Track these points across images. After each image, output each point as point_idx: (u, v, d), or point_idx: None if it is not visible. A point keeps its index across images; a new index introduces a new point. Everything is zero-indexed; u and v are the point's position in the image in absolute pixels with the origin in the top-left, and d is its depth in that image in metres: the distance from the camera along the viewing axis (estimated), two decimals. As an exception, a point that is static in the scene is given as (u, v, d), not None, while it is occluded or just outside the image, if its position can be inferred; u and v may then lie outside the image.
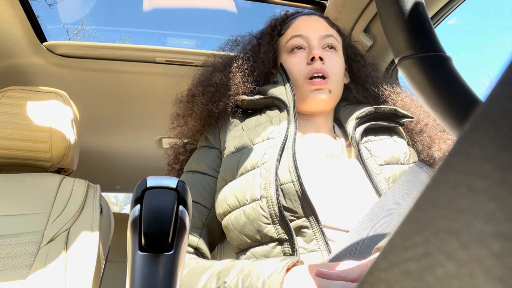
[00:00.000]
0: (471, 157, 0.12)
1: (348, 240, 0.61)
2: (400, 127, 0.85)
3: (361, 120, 0.80)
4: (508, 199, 0.11)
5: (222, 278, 0.57)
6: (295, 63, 0.84)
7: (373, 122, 0.80)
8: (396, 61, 0.41)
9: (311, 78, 0.81)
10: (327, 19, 0.92)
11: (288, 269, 0.52)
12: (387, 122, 0.81)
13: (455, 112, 0.37)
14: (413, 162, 0.77)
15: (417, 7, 0.39)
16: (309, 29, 0.85)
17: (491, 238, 0.12)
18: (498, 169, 0.12)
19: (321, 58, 0.81)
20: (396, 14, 0.39)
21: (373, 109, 0.79)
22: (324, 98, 0.81)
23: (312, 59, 0.81)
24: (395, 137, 0.81)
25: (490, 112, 0.12)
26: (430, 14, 1.01)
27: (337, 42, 0.87)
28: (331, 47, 0.85)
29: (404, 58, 0.40)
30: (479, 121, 0.12)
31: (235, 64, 0.86)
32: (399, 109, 0.80)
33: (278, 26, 0.92)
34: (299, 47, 0.85)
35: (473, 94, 0.38)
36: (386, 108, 0.80)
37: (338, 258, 0.59)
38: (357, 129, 0.79)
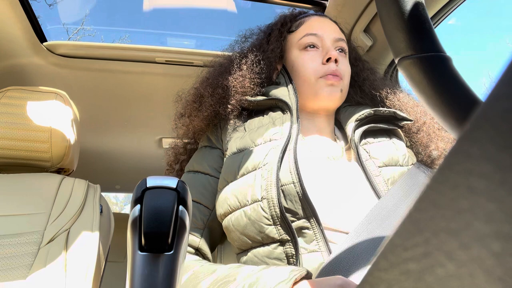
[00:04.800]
0: (471, 157, 0.12)
1: (348, 241, 0.61)
2: (399, 129, 0.85)
3: (361, 122, 0.80)
4: (508, 199, 0.11)
5: (226, 285, 0.56)
6: (308, 61, 0.83)
7: (372, 125, 0.80)
8: (396, 61, 0.41)
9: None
10: (335, 22, 0.93)
11: (295, 282, 0.51)
12: (386, 125, 0.81)
13: (455, 112, 0.37)
14: (412, 164, 0.77)
15: (417, 7, 0.39)
16: (324, 30, 0.86)
17: (491, 238, 0.12)
18: (498, 169, 0.12)
19: (336, 60, 0.81)
20: (396, 14, 0.39)
21: (372, 112, 0.80)
22: (336, 96, 0.81)
23: (328, 59, 0.81)
24: (394, 139, 0.81)
25: (490, 112, 0.12)
26: (430, 14, 1.01)
27: (346, 47, 0.88)
28: (342, 50, 0.86)
29: (404, 58, 0.40)
30: (479, 121, 0.12)
31: (245, 66, 0.85)
32: (398, 112, 0.80)
33: (288, 23, 0.91)
34: (313, 46, 0.84)
35: (473, 94, 0.38)
36: (386, 111, 0.80)
37: (338, 259, 0.59)
38: (356, 131, 0.79)
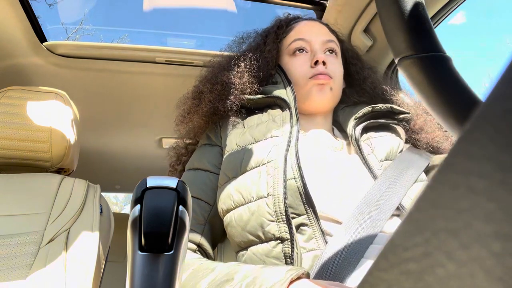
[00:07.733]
0: (471, 157, 0.12)
1: (340, 235, 0.62)
2: (398, 126, 0.86)
3: (360, 120, 0.82)
4: (508, 199, 0.11)
5: (224, 284, 0.57)
6: (297, 65, 0.85)
7: (371, 120, 0.82)
8: (396, 61, 0.41)
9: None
10: (326, 25, 0.95)
11: (292, 281, 0.52)
12: (386, 119, 0.83)
13: (455, 112, 0.37)
14: (400, 151, 0.79)
15: (417, 7, 0.39)
16: (312, 34, 0.87)
17: (491, 238, 0.12)
18: (498, 169, 0.12)
19: (324, 62, 0.83)
20: (396, 14, 0.39)
21: (370, 108, 0.82)
22: (326, 95, 0.83)
23: (316, 62, 0.83)
24: (394, 134, 0.83)
25: (490, 112, 0.12)
26: (430, 14, 1.01)
27: (337, 47, 0.89)
28: (332, 51, 0.87)
29: (404, 58, 0.40)
30: (479, 121, 0.12)
31: (242, 64, 0.87)
32: (394, 106, 0.83)
33: (284, 26, 0.93)
34: (302, 50, 0.86)
35: (473, 94, 0.38)
36: (383, 106, 0.82)
37: (331, 254, 0.60)
38: (357, 128, 0.80)
